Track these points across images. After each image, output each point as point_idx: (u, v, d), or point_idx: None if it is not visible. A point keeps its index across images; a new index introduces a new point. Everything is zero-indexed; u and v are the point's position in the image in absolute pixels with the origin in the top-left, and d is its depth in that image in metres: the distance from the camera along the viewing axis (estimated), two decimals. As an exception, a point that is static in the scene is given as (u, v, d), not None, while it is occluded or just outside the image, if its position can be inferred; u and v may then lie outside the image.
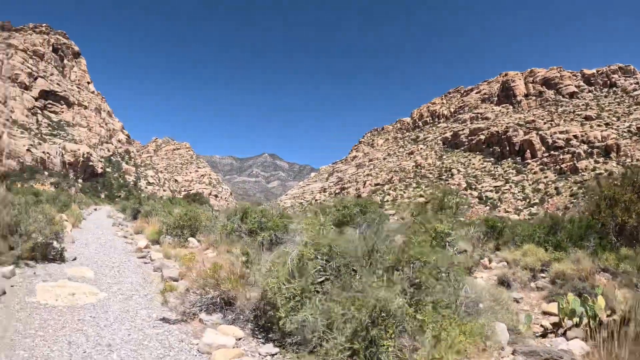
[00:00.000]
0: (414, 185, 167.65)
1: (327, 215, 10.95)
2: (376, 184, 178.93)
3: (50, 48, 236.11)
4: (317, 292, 7.55)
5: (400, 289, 6.95)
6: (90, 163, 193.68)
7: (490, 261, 18.33)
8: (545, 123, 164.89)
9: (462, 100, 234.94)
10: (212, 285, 9.10)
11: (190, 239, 19.13)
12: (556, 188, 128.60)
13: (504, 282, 14.58)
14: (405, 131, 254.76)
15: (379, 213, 23.27)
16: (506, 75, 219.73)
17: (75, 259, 14.89)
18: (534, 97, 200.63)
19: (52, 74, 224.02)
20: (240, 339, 7.96)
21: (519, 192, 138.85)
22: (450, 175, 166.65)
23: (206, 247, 17.56)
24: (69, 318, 8.55)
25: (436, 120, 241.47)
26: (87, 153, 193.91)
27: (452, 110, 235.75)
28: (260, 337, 8.23)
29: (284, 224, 17.74)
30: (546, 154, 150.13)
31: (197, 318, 8.96)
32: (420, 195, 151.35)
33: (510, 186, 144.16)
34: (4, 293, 9.42)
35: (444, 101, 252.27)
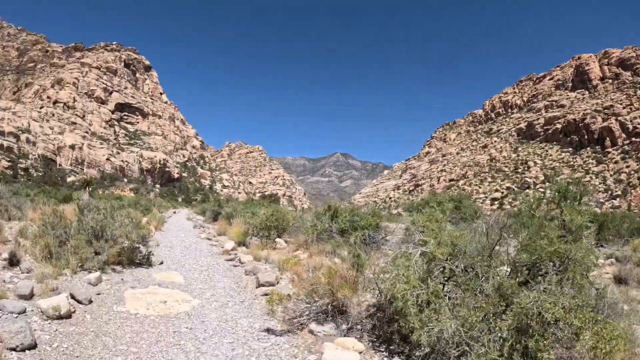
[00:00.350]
0: (489, 179, 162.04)
1: (445, 210, 9.58)
2: (450, 180, 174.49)
3: (122, 64, 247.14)
4: (443, 297, 6.55)
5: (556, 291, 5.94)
6: (167, 169, 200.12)
7: (597, 257, 16.37)
8: (624, 108, 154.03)
9: (535, 88, 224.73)
10: (325, 292, 7.86)
11: (278, 239, 18.16)
12: (639, 178, 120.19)
13: (621, 280, 13.05)
14: (477, 124, 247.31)
15: (474, 208, 21.65)
16: (579, 58, 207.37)
17: (162, 263, 14.21)
18: (610, 81, 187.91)
19: (125, 88, 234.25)
20: (361, 352, 6.87)
21: (599, 183, 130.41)
22: (526, 168, 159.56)
23: (295, 248, 16.56)
24: (163, 330, 7.66)
25: (509, 110, 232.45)
26: (164, 159, 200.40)
27: (525, 99, 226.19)
28: (382, 349, 7.15)
29: (376, 222, 16.66)
30: (627, 141, 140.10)
31: (306, 328, 7.88)
32: (496, 190, 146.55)
33: (591, 177, 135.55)
34: (91, 302, 8.69)
35: (516, 90, 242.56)
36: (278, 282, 11.22)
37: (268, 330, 7.86)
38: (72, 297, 8.44)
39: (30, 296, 8.04)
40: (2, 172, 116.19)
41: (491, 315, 5.93)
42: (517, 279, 6.57)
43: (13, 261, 10.16)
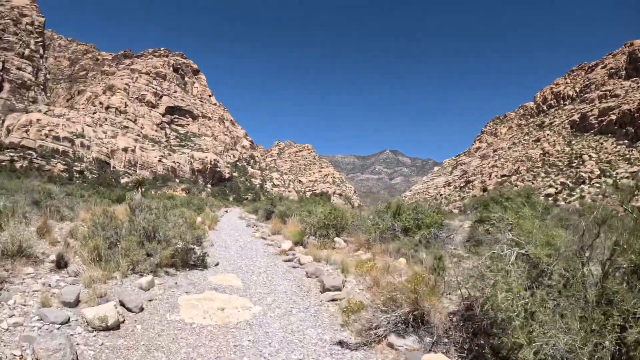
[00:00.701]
0: (543, 174, 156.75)
1: (537, 206, 8.46)
2: (502, 176, 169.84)
3: (171, 69, 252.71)
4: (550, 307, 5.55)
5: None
6: (218, 169, 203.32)
7: None
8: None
9: (587, 77, 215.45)
10: (407, 300, 6.75)
11: (336, 239, 17.14)
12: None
13: None
14: (529, 117, 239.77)
15: (543, 204, 20.29)
16: (632, 44, 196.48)
17: (217, 264, 13.40)
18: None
19: (175, 92, 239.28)
20: (453, 372, 5.81)
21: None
22: (581, 162, 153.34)
23: (356, 248, 15.52)
24: (222, 343, 6.74)
25: (561, 102, 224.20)
26: (214, 160, 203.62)
27: (578, 89, 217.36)
28: (476, 368, 6.08)
29: (441, 220, 15.56)
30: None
31: (384, 341, 6.83)
32: (550, 185, 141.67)
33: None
34: (142, 309, 7.89)
35: (568, 81, 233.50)
36: (344, 286, 10.18)
37: (341, 343, 6.85)
38: (122, 304, 7.68)
39: (75, 303, 7.28)
40: (58, 175, 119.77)
41: (604, 327, 4.97)
42: (622, 284, 5.43)
43: (61, 264, 9.53)
